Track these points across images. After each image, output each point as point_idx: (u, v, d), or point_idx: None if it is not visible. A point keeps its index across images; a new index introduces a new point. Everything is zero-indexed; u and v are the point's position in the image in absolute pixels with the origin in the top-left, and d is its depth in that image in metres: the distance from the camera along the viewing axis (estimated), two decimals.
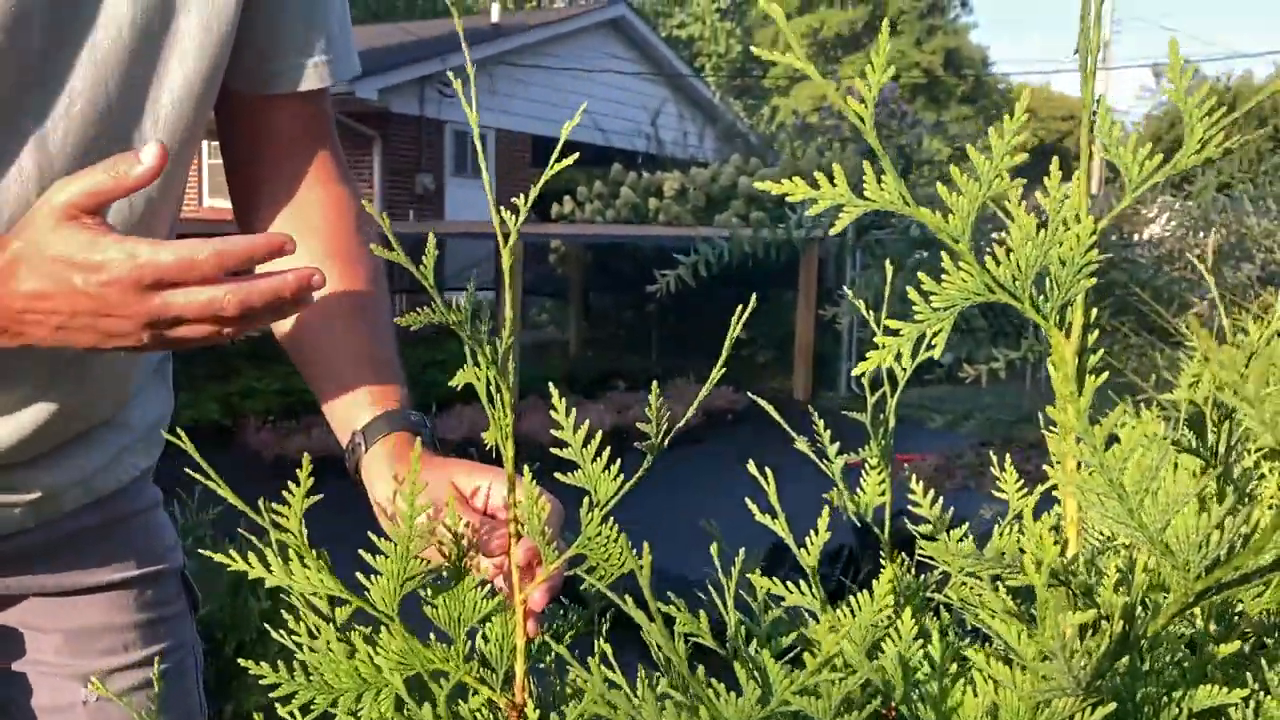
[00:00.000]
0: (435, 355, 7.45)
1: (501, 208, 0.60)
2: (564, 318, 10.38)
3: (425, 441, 0.84)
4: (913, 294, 0.55)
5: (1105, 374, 0.58)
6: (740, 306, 0.64)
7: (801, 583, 0.64)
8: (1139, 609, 0.50)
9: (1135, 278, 3.99)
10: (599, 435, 0.66)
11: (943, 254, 0.55)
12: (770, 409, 0.74)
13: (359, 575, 0.64)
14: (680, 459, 6.15)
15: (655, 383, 0.67)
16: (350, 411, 0.86)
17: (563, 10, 18.23)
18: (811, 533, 0.67)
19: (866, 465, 0.75)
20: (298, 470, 0.58)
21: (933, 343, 0.57)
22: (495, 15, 14.70)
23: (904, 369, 0.67)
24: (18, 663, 0.95)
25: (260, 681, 0.64)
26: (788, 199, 0.57)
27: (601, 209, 10.03)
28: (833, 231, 0.60)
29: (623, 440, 0.72)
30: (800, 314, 7.94)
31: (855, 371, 0.58)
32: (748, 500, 0.72)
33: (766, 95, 29.21)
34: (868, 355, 0.56)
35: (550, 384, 0.69)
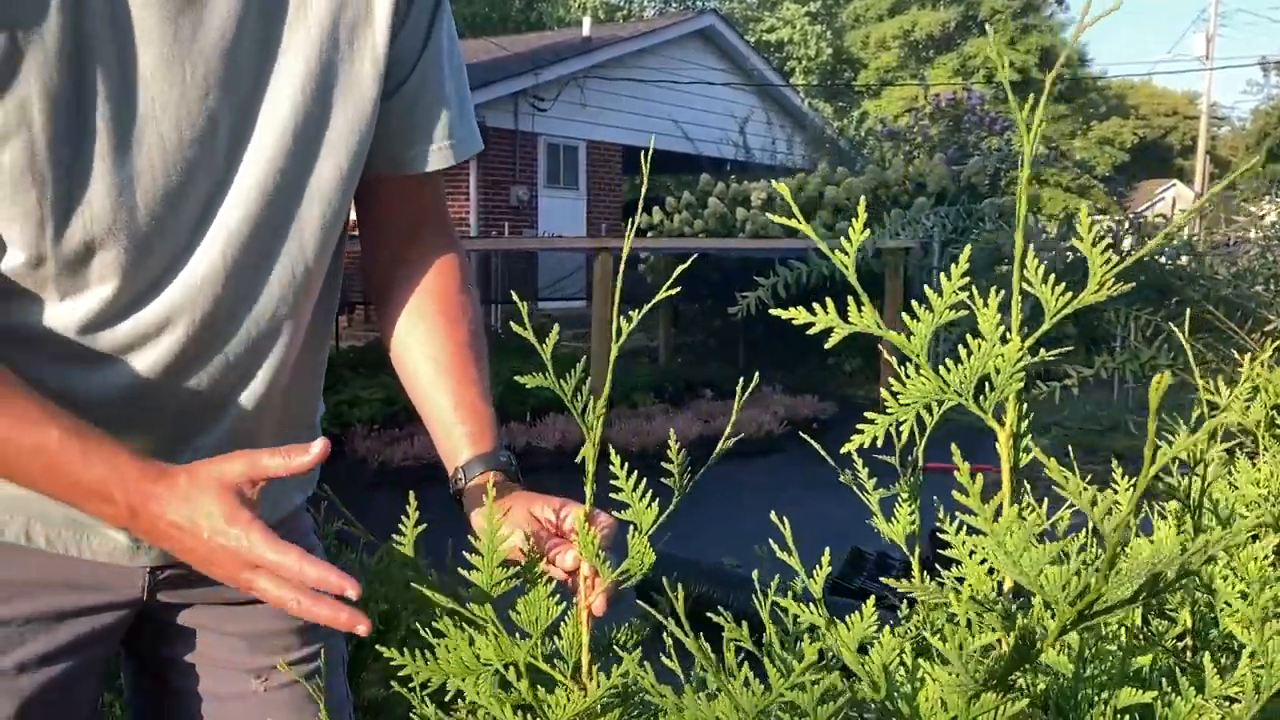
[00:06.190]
0: (528, 367, 7.71)
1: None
2: (653, 325, 10.59)
3: (511, 477, 1.04)
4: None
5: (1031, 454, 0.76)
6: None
7: (810, 605, 0.83)
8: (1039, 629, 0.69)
9: (1211, 294, 4.04)
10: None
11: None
12: (813, 441, 0.92)
13: (463, 571, 0.83)
14: (767, 466, 6.31)
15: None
16: (454, 450, 1.06)
17: (653, 21, 18.47)
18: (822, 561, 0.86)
19: (900, 498, 0.93)
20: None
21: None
22: (587, 29, 15.01)
23: (932, 417, 0.83)
24: (190, 655, 1.15)
25: (393, 664, 0.85)
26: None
27: (690, 219, 10.22)
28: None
29: (710, 448, 0.85)
30: (886, 323, 8.05)
31: (844, 449, 0.77)
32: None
33: (857, 98, 29.06)
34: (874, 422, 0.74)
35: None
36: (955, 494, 0.65)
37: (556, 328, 0.91)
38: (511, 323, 0.92)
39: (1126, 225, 4.89)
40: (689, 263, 0.84)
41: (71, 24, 0.85)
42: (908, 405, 0.75)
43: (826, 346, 0.78)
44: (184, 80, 0.90)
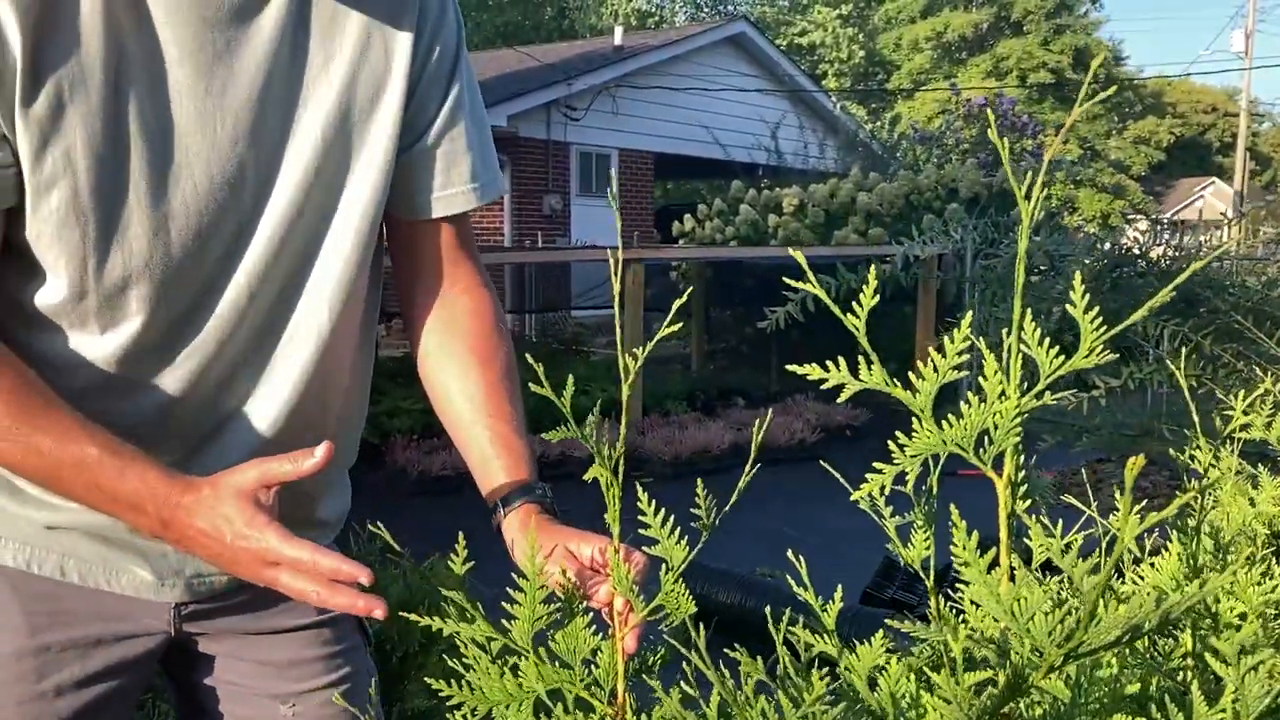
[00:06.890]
0: (561, 376, 7.78)
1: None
2: (685, 332, 10.63)
3: (546, 508, 1.06)
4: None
5: (1030, 500, 0.83)
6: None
7: (824, 635, 0.89)
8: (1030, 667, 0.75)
9: (1240, 304, 4.05)
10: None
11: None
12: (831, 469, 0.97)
13: (505, 604, 0.91)
14: (800, 474, 6.35)
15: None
16: (491, 481, 1.10)
17: (684, 29, 18.54)
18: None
19: (915, 525, 0.99)
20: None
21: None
22: (618, 38, 15.10)
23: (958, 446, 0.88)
24: (221, 682, 1.19)
25: (432, 687, 0.91)
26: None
27: (721, 226, 10.27)
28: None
29: (742, 456, 0.90)
30: (919, 332, 8.06)
31: (854, 496, 0.84)
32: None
33: (890, 100, 28.96)
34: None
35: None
36: (953, 548, 0.72)
37: (570, 379, 0.96)
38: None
39: (1158, 231, 4.89)
40: (684, 298, 0.91)
41: (113, 79, 0.92)
42: (915, 456, 0.82)
43: (845, 389, 0.84)
44: (215, 131, 0.98)
